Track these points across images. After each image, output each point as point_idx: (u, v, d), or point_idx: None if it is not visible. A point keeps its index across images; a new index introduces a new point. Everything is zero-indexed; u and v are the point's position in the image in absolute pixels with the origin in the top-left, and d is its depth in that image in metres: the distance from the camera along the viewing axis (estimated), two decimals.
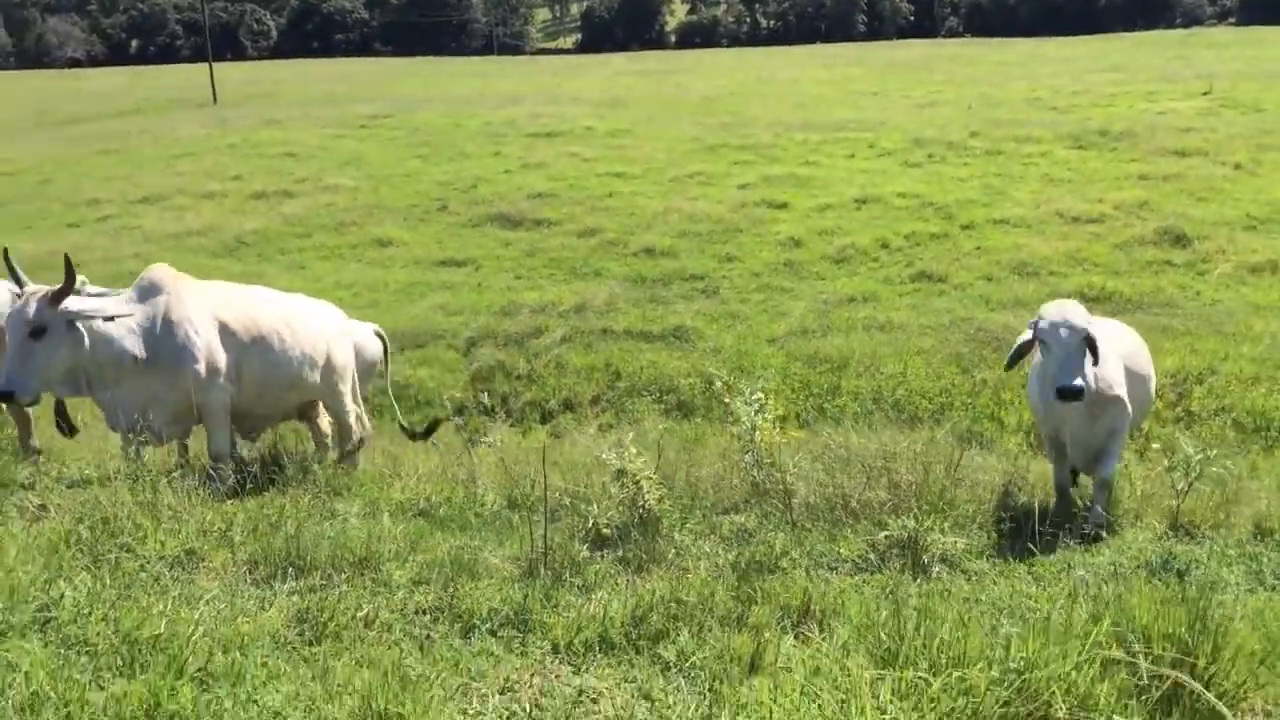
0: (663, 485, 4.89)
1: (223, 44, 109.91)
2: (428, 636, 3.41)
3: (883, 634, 2.84)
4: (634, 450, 4.63)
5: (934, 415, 11.75)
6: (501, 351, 13.89)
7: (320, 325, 7.06)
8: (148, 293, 6.05)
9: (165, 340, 5.92)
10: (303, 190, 23.18)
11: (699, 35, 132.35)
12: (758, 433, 5.39)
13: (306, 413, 7.50)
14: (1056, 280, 15.66)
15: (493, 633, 3.44)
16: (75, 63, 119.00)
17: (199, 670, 2.93)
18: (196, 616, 3.26)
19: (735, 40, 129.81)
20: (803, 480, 5.41)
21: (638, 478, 4.52)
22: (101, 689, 2.80)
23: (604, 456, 4.71)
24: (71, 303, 5.60)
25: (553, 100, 40.23)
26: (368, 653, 3.17)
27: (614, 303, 15.56)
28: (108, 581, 3.50)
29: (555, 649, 3.34)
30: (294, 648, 3.24)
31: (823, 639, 3.16)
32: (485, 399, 9.03)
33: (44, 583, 3.37)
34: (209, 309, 6.18)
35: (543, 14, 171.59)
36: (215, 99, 50.11)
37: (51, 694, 2.71)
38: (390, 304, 15.66)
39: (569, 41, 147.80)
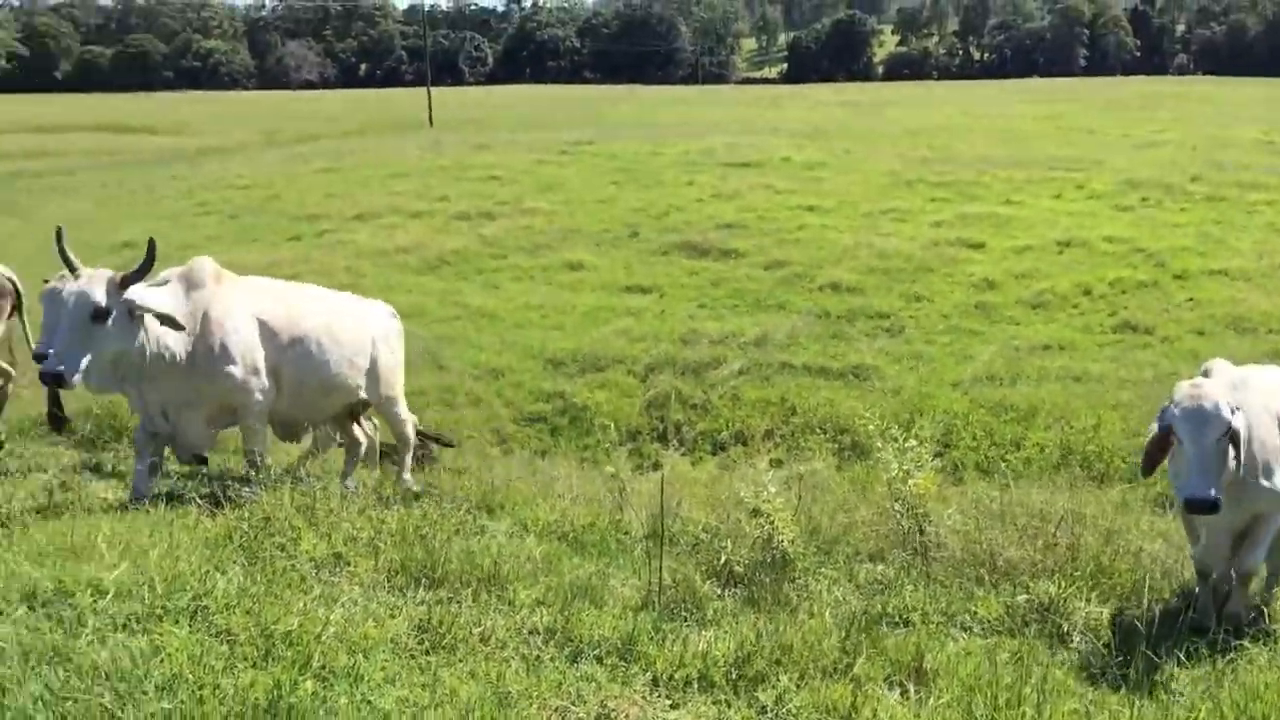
0: (804, 527, 4.86)
1: (442, 70, 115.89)
2: (537, 657, 3.52)
3: (980, 700, 2.75)
4: (772, 490, 4.62)
5: (1126, 475, 11.11)
6: (679, 380, 13.98)
7: (366, 326, 6.79)
8: (189, 287, 5.84)
9: (204, 339, 5.73)
10: (503, 213, 24.08)
11: (908, 67, 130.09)
12: (910, 482, 5.28)
13: (352, 415, 7.20)
14: (1275, 338, 14.55)
15: (599, 659, 3.52)
16: (309, 84, 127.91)
17: (322, 668, 3.15)
18: (330, 617, 3.50)
19: (946, 73, 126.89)
20: (953, 533, 5.25)
21: (773, 518, 4.50)
22: (233, 677, 3.05)
23: (741, 495, 4.72)
24: (135, 291, 5.41)
25: (751, 130, 40.36)
26: (478, 666, 3.31)
27: (795, 337, 15.43)
28: (258, 577, 3.79)
29: (656, 682, 3.39)
30: (412, 655, 3.43)
31: (921, 699, 3.08)
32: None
33: (203, 573, 3.69)
34: (249, 307, 6.00)
35: (749, 44, 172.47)
36: (431, 122, 52.83)
37: (189, 676, 2.97)
38: (574, 327, 16.06)
39: (774, 71, 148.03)
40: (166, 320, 5.42)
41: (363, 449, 7.29)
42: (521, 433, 12.77)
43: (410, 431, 7.24)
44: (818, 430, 12.63)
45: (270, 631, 3.34)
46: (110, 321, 5.25)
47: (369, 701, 2.99)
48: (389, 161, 33.41)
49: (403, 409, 7.16)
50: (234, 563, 3.91)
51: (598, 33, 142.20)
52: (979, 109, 54.26)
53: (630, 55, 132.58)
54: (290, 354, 6.11)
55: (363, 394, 6.74)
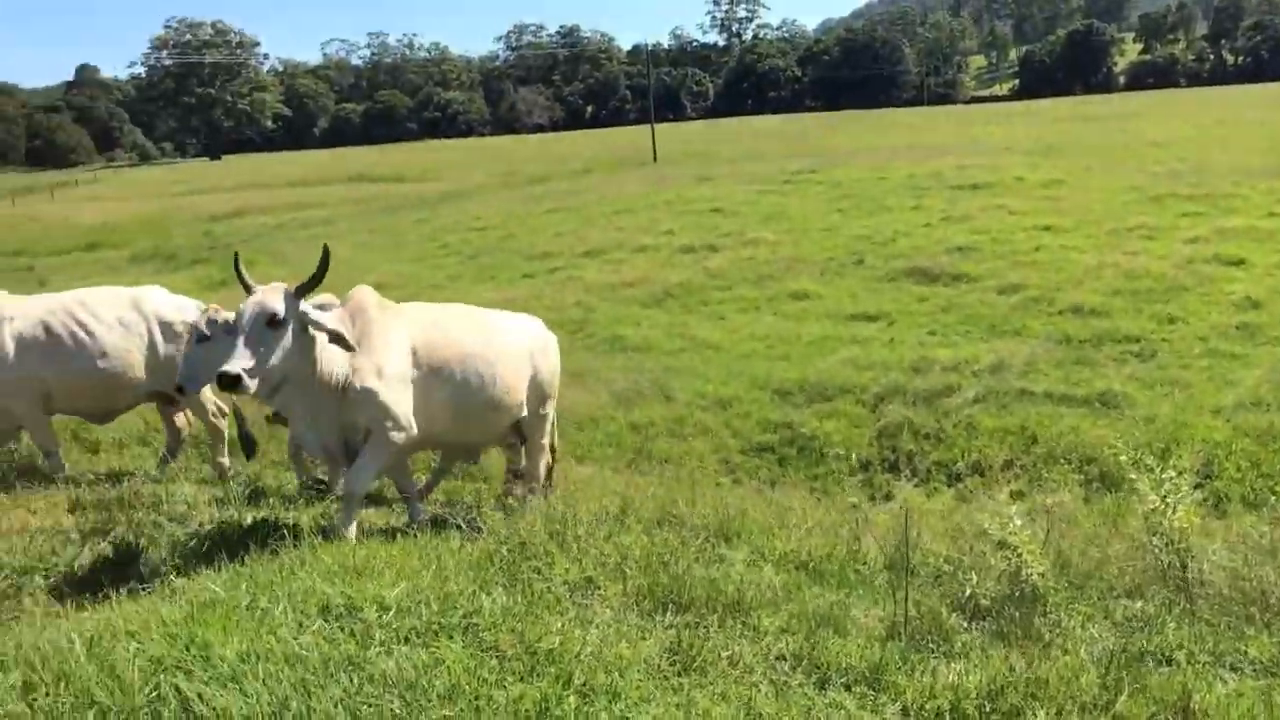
0: (1053, 561, 4.71)
1: (665, 106, 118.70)
2: (785, 682, 3.60)
3: None
4: (1018, 523, 4.51)
5: None
6: (910, 409, 13.66)
7: (524, 340, 6.79)
8: (352, 315, 5.92)
9: (358, 364, 5.76)
10: (726, 244, 24.36)
11: (1153, 76, 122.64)
12: (1168, 515, 5.00)
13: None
14: None
15: (847, 687, 3.56)
16: (539, 128, 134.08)
17: (583, 684, 3.37)
18: (587, 637, 3.74)
19: (1196, 80, 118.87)
20: (1219, 570, 4.94)
21: (1020, 551, 4.39)
22: (504, 690, 3.32)
23: (986, 527, 4.63)
24: (310, 307, 5.53)
25: (982, 150, 39.17)
26: (728, 689, 3.43)
27: (1034, 363, 14.79)
28: (519, 598, 4.07)
29: (906, 711, 3.40)
30: (665, 676, 3.59)
31: None
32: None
33: (470, 593, 4.02)
34: (405, 334, 6.02)
35: (978, 61, 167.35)
36: (655, 158, 54.12)
37: (466, 688, 3.25)
38: (801, 357, 16.02)
39: (1005, 88, 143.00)
40: (337, 339, 5.53)
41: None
42: (750, 462, 12.82)
43: (544, 467, 7.13)
44: (1062, 461, 12.04)
45: (534, 649, 3.61)
46: (283, 329, 5.36)
47: (627, 718, 3.18)
48: (614, 198, 34.46)
49: (546, 432, 7.06)
50: (496, 584, 4.20)
51: (819, 60, 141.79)
52: (1234, 116, 50.55)
53: (852, 81, 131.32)
54: (449, 375, 6.13)
55: (524, 411, 6.74)
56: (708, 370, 15.27)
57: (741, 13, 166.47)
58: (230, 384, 5.16)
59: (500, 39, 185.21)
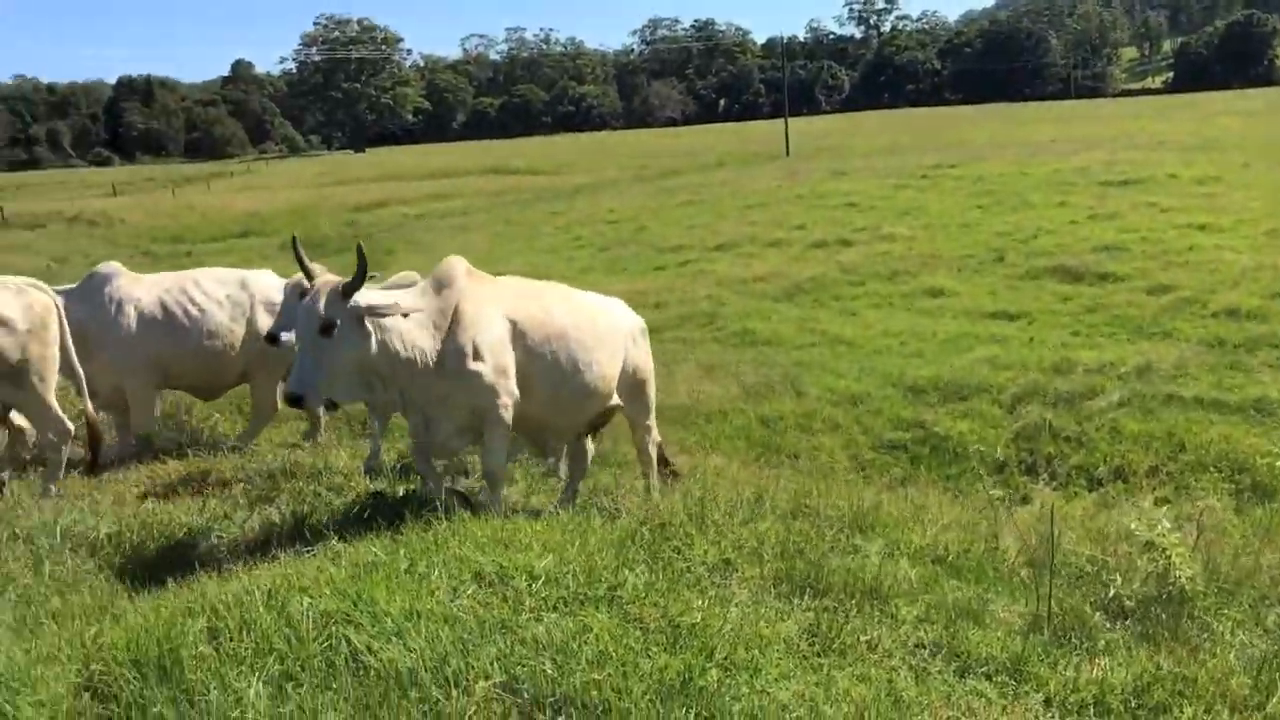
0: (1202, 566, 4.61)
1: (799, 99, 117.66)
2: (924, 668, 3.66)
3: None
4: (1166, 525, 4.43)
5: None
6: (1049, 411, 13.31)
7: (619, 325, 6.54)
8: (439, 287, 5.69)
9: (453, 337, 5.55)
10: (860, 240, 24.10)
11: None
12: None
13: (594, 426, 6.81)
14: None
15: (987, 676, 3.60)
16: (672, 121, 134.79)
17: (724, 659, 3.52)
18: (727, 615, 3.88)
19: None
20: None
21: (1168, 553, 4.31)
22: (649, 659, 3.49)
23: (1133, 527, 4.57)
24: (362, 296, 5.27)
25: (1132, 145, 37.70)
26: (867, 671, 3.52)
27: (1184, 367, 14.24)
28: (660, 575, 4.24)
29: (1048, 702, 3.42)
30: (804, 656, 3.70)
31: None
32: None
33: (613, 569, 4.22)
34: (500, 306, 5.77)
35: (1129, 53, 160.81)
36: (788, 152, 53.84)
37: (613, 654, 3.43)
38: (935, 354, 15.77)
39: (1158, 81, 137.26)
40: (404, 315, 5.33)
41: (588, 463, 7.00)
42: (881, 459, 12.69)
43: (655, 448, 6.96)
44: (1211, 469, 11.59)
45: (676, 623, 3.77)
46: (337, 332, 5.19)
47: (767, 692, 3.30)
48: (747, 192, 34.40)
49: (652, 420, 6.91)
50: (638, 561, 4.38)
51: (960, 52, 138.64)
52: None
53: (995, 74, 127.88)
54: (546, 354, 5.90)
55: (616, 399, 6.51)
56: (839, 366, 15.16)
57: (880, 4, 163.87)
58: (295, 404, 5.29)
59: (635, 33, 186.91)
